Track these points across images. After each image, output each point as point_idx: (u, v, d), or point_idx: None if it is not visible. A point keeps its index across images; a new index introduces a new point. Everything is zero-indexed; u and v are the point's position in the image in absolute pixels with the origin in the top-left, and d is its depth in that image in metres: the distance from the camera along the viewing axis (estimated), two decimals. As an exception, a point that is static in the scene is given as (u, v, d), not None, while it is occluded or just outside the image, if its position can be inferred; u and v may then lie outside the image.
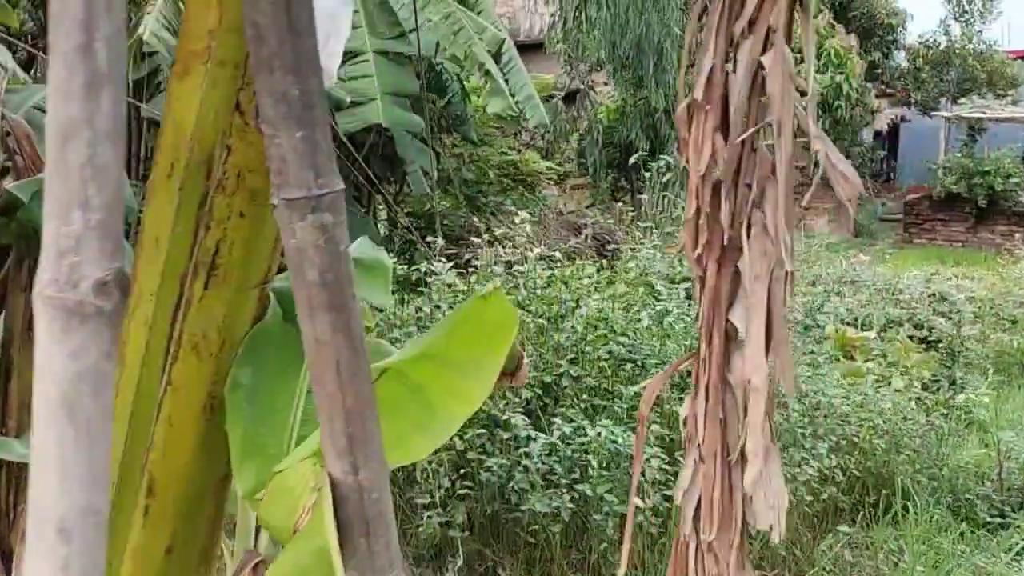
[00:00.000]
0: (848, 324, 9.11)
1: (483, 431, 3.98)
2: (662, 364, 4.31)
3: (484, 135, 13.04)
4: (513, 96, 9.52)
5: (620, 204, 13.46)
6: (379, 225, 10.69)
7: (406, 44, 8.68)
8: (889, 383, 6.47)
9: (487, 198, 12.03)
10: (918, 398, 6.80)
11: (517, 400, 4.14)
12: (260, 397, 1.54)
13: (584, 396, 4.33)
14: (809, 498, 4.30)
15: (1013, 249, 18.67)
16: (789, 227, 1.28)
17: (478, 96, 11.29)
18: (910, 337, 8.97)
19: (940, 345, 8.80)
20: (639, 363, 4.44)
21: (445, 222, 12.44)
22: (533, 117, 9.48)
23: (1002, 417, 6.74)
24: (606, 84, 16.12)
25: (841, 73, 21.01)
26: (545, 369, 4.33)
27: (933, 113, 22.91)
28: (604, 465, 3.78)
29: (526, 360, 2.48)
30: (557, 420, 4.01)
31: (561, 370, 4.27)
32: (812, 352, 6.00)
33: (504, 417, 3.95)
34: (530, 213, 13.76)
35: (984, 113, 21.78)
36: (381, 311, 3.44)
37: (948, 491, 5.10)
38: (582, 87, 15.07)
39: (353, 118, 8.08)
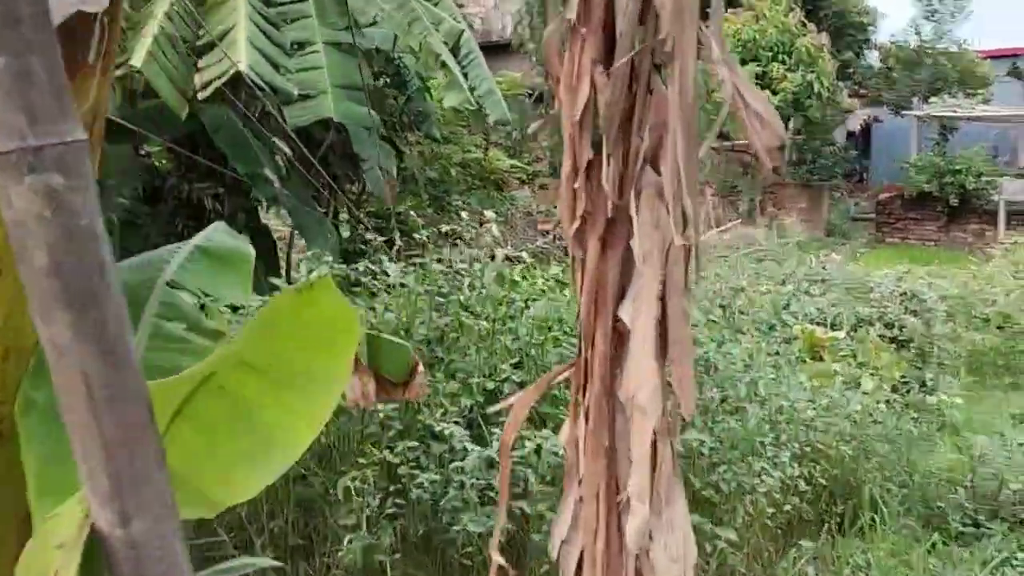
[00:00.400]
0: (817, 323, 8.87)
1: (417, 444, 3.65)
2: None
3: (449, 133, 12.70)
4: (473, 90, 9.19)
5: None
6: (340, 227, 10.32)
7: (359, 35, 8.32)
8: (858, 385, 6.21)
9: (451, 197, 11.69)
10: (888, 400, 6.55)
11: (456, 409, 3.82)
12: (59, 419, 1.20)
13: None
14: (771, 510, 4.00)
15: (985, 247, 18.62)
16: (691, 191, 0.96)
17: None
18: (880, 337, 8.73)
19: (911, 344, 8.57)
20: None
21: (408, 223, 12.09)
22: (494, 112, 9.14)
23: (975, 420, 6.50)
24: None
25: (812, 72, 20.89)
26: (490, 375, 4.00)
27: (904, 112, 22.86)
28: (548, 479, 3.46)
29: (421, 370, 2.15)
30: (498, 431, 3.69)
31: (505, 375, 3.94)
32: (777, 353, 5.72)
33: (439, 428, 3.62)
34: (497, 213, 13.46)
35: (955, 112, 21.76)
36: (237, 310, 3.09)
37: (919, 499, 4.83)
38: (547, 86, 14.78)
39: (303, 111, 7.71)
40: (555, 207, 15.22)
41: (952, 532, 4.49)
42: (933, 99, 22.75)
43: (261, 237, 9.79)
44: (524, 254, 12.97)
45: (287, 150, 8.82)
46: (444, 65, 8.08)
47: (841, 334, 7.57)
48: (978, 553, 4.32)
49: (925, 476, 4.98)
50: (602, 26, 0.96)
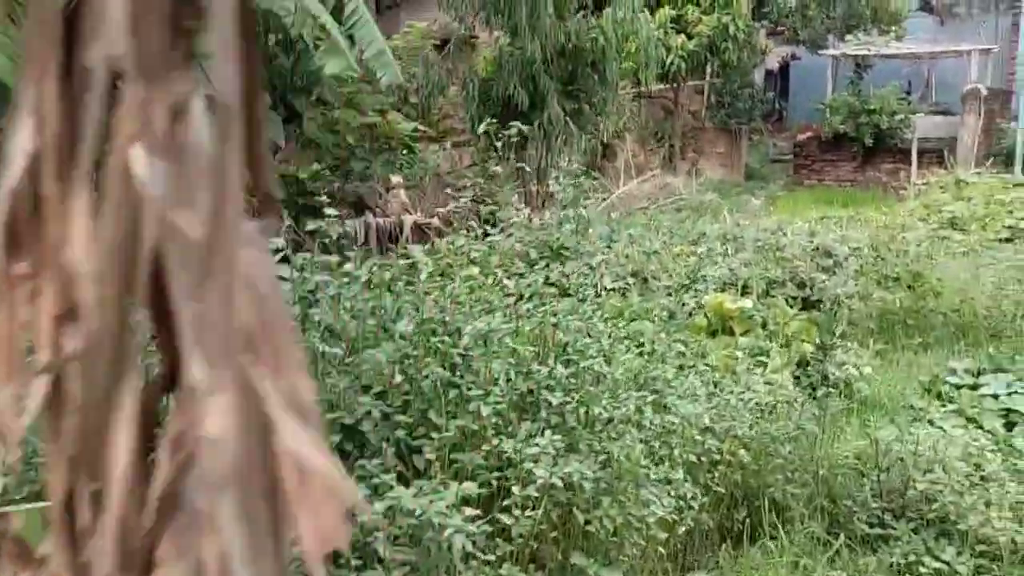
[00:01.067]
0: (729, 285, 8.64)
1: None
2: (485, 395, 3.58)
3: (350, 95, 11.97)
4: (363, 52, 8.55)
5: (500, 163, 12.64)
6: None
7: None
8: (764, 365, 5.96)
9: (350, 164, 11.03)
10: (797, 377, 6.34)
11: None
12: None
13: (400, 432, 3.56)
14: (663, 535, 3.68)
15: (899, 189, 18.78)
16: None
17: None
18: (793, 298, 8.55)
19: (822, 306, 8.41)
20: (463, 389, 3.70)
21: (307, 192, 11.41)
22: (385, 75, 8.52)
23: (885, 393, 6.33)
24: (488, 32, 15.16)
25: (728, 14, 20.52)
26: (346, 407, 3.54)
27: (820, 52, 22.74)
28: (405, 538, 3.05)
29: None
30: (353, 476, 3.26)
31: (364, 409, 3.49)
32: (681, 345, 5.39)
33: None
34: (405, 178, 12.83)
35: (869, 50, 21.73)
36: None
37: (826, 496, 4.59)
38: (456, 35, 14.06)
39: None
40: (466, 165, 14.62)
41: (859, 535, 4.26)
42: (848, 37, 22.69)
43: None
44: (435, 219, 12.42)
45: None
46: (323, 28, 7.42)
47: (749, 303, 7.32)
48: (884, 558, 4.11)
49: (832, 469, 4.74)
50: None
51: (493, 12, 13.38)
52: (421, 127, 12.22)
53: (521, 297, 5.15)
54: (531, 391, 3.96)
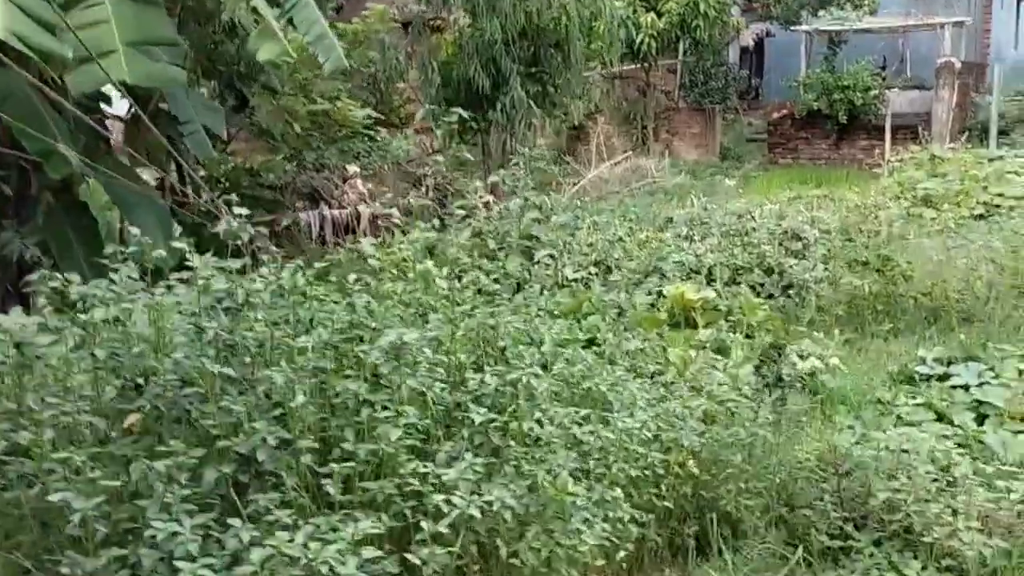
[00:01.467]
0: (694, 273, 8.32)
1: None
2: (396, 416, 3.21)
3: (303, 81, 11.52)
4: (305, 36, 8.10)
5: (462, 148, 12.22)
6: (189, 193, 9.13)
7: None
8: (724, 359, 5.64)
9: (302, 153, 10.59)
10: (757, 368, 6.03)
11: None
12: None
13: (306, 458, 3.20)
14: (601, 562, 3.35)
15: (873, 167, 18.50)
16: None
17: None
18: (760, 285, 8.25)
19: (791, 291, 8.11)
20: (379, 407, 3.33)
21: (259, 184, 10.97)
22: (328, 60, 8.08)
23: (852, 385, 6.03)
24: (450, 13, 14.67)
25: (699, -10, 20.11)
26: (243, 433, 3.16)
27: (793, 28, 22.39)
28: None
29: None
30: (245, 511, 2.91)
31: (259, 436, 3.11)
32: (636, 342, 5.05)
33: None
34: (362, 166, 12.41)
35: (842, 25, 21.40)
36: None
37: (785, 505, 4.28)
38: (416, 17, 13.58)
39: (84, 76, 6.56)
40: (430, 154, 14.19)
41: (819, 548, 3.95)
42: (822, 12, 22.34)
43: (75, 215, 8.61)
44: (395, 210, 12.00)
45: (89, 121, 7.61)
46: (255, 11, 6.98)
47: (712, 293, 6.99)
48: (843, 574, 3.80)
49: (793, 473, 4.43)
50: None
51: (452, -8, 12.96)
52: (376, 113, 11.78)
53: (456, 299, 4.78)
54: (459, 405, 3.62)
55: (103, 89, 8.29)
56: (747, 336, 6.54)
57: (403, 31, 14.81)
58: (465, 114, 10.18)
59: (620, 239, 9.41)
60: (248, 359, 3.47)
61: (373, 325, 3.90)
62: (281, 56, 7.26)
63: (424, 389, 3.49)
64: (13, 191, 8.48)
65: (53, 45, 6.21)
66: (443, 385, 3.70)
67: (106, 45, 6.78)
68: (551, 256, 8.98)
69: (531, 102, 12.89)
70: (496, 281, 4.92)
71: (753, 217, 9.73)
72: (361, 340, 3.82)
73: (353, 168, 11.63)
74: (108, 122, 9.63)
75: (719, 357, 5.77)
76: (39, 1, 6.52)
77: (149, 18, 7.12)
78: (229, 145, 11.64)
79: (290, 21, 7.93)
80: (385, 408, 3.30)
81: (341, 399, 3.37)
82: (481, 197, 11.32)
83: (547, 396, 3.49)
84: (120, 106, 10.31)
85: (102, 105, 8.98)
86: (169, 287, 3.95)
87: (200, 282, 3.72)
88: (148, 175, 9.50)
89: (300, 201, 10.87)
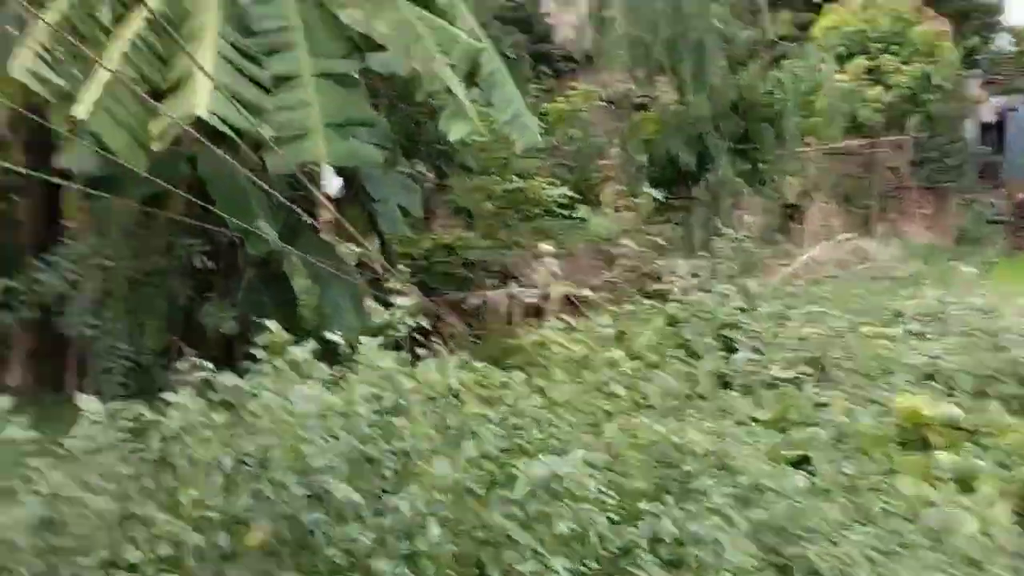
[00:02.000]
0: (928, 379, 7.14)
1: None
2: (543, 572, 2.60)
3: (500, 159, 11.46)
4: (501, 115, 7.93)
5: (662, 228, 11.63)
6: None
7: (357, 62, 7.21)
8: (972, 502, 4.55)
9: (496, 230, 10.42)
10: (1021, 515, 4.84)
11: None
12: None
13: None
14: None
15: None
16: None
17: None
18: (1015, 399, 6.90)
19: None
20: (527, 553, 2.74)
21: (453, 261, 10.92)
22: (522, 138, 7.84)
23: None
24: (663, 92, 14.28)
25: (932, 62, 18.54)
26: None
27: (1043, 101, 20.09)
28: None
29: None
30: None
31: None
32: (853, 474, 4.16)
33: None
34: (556, 244, 12.09)
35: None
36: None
37: None
38: (619, 95, 13.31)
39: (287, 155, 6.66)
40: (628, 232, 13.68)
41: None
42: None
43: (275, 289, 8.83)
44: (588, 290, 11.54)
45: (285, 201, 7.81)
46: (448, 91, 6.86)
47: (953, 409, 5.84)
48: None
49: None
50: None
51: (660, 70, 12.58)
52: (572, 192, 11.46)
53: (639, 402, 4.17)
54: (627, 552, 2.96)
55: (313, 168, 8.50)
56: (1000, 465, 5.35)
57: (608, 109, 14.60)
58: (662, 195, 9.65)
59: (839, 334, 8.36)
60: (386, 474, 3.03)
61: (539, 435, 3.38)
62: (471, 134, 7.09)
63: (585, 526, 2.88)
64: (223, 266, 8.83)
65: (252, 126, 6.34)
66: (611, 517, 3.07)
67: (308, 126, 6.90)
68: (756, 350, 8.12)
69: (739, 179, 12.14)
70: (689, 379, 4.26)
71: (1002, 314, 8.34)
72: (523, 452, 3.31)
73: (546, 246, 11.34)
74: (318, 200, 9.95)
75: (963, 491, 4.70)
76: (247, 85, 6.74)
77: (350, 99, 7.20)
78: (430, 223, 11.76)
79: (488, 101, 7.81)
80: (535, 554, 2.70)
81: (484, 534, 2.82)
82: (680, 279, 10.63)
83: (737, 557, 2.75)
84: (330, 185, 10.60)
85: (309, 184, 9.27)
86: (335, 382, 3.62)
87: (354, 376, 3.42)
88: (350, 251, 9.63)
89: (490, 279, 10.68)
